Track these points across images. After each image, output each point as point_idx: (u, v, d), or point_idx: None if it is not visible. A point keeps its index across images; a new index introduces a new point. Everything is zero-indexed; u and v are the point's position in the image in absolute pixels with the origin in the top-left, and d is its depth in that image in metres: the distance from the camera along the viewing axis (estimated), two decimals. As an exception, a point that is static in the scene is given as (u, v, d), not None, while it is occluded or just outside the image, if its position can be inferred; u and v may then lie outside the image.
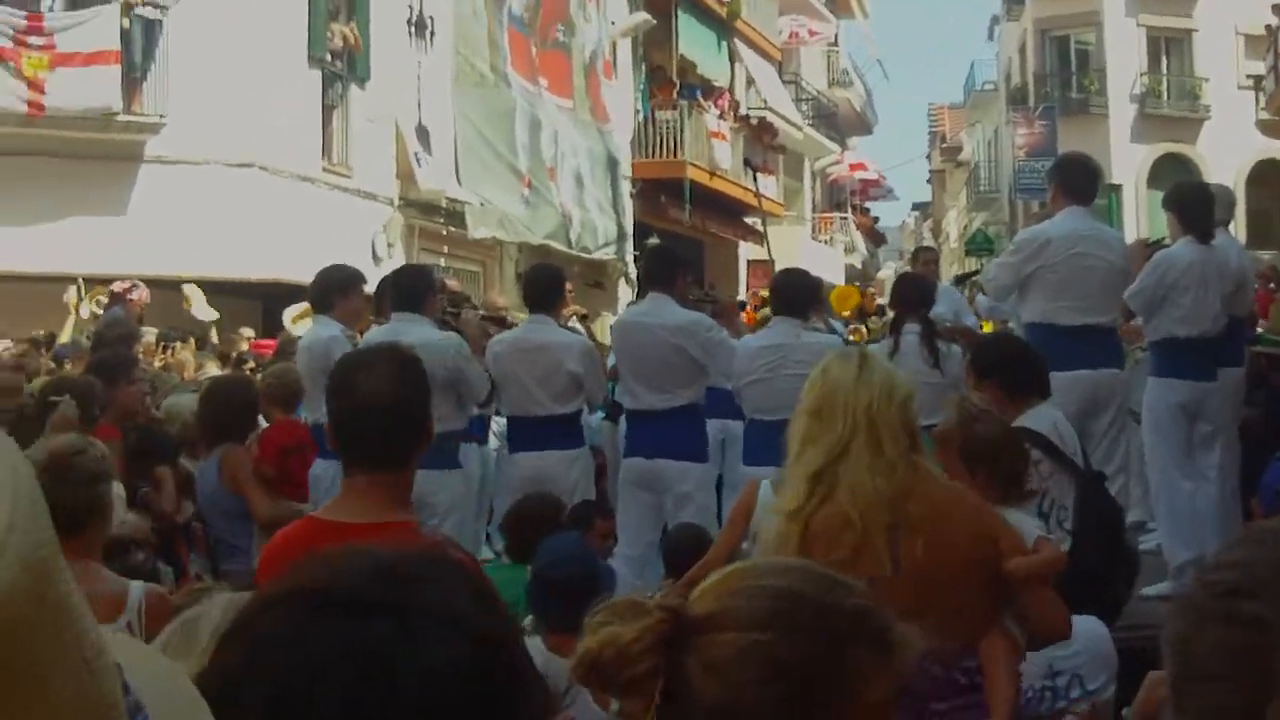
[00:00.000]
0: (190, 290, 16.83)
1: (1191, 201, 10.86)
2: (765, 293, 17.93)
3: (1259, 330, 13.39)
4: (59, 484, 5.16)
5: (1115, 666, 6.70)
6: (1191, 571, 9.14)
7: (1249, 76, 45.86)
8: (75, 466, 5.29)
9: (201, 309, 16.69)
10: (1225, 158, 47.01)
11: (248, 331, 15.99)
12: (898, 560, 4.53)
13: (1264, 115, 41.39)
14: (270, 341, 15.27)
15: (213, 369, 13.62)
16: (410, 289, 10.19)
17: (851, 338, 14.51)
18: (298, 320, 13.32)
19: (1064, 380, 8.60)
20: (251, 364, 13.60)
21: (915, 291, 11.41)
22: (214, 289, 17.49)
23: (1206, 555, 9.84)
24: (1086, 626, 6.12)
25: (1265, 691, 1.41)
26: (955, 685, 4.70)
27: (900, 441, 4.67)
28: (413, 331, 9.73)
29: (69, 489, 5.18)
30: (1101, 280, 10.03)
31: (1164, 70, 52.15)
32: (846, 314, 17.12)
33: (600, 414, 12.99)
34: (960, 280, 15.58)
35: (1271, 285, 24.62)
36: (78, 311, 15.51)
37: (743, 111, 41.36)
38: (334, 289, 10.24)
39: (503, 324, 12.18)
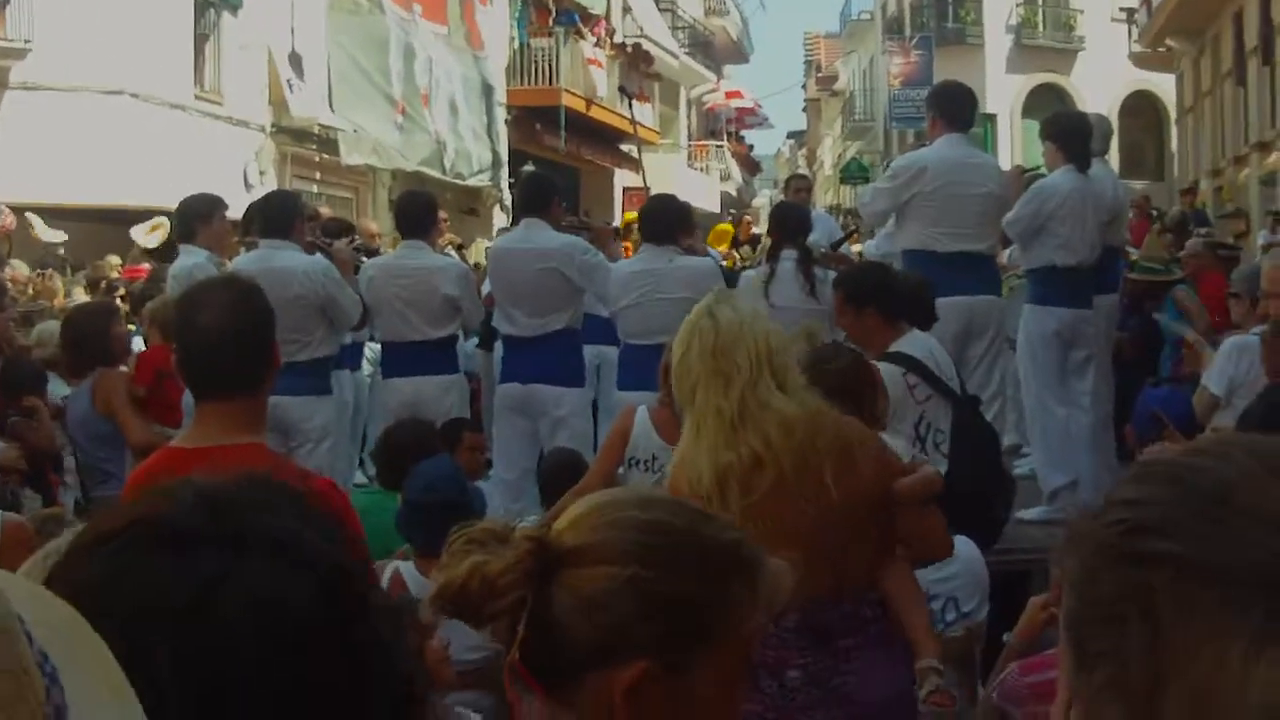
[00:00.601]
0: (32, 217, 16.69)
1: (1071, 131, 10.90)
2: (629, 216, 17.96)
3: (1133, 258, 13.54)
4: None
5: (988, 588, 6.75)
6: (1076, 502, 9.29)
7: (1122, 9, 46.24)
8: None
9: (44, 230, 16.56)
10: (1099, 89, 47.52)
11: (114, 259, 15.76)
12: (810, 498, 4.49)
13: (1137, 48, 41.79)
14: (140, 269, 15.10)
15: (81, 296, 13.45)
16: (277, 214, 10.07)
17: (725, 264, 14.50)
18: (150, 234, 13.17)
19: (942, 306, 8.64)
20: (122, 291, 13.41)
21: (792, 219, 11.41)
22: (84, 216, 17.30)
23: (1081, 480, 10.01)
24: (960, 549, 6.14)
25: (1163, 634, 1.39)
26: (861, 619, 4.66)
27: (798, 375, 4.65)
28: (280, 257, 9.66)
29: None
30: (979, 207, 10.07)
31: (1039, 2, 52.49)
32: (721, 248, 17.14)
33: (474, 341, 12.95)
34: (834, 211, 15.65)
35: (1145, 215, 24.95)
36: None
37: (619, 39, 41.21)
38: (195, 216, 10.18)
39: (374, 253, 12.09)
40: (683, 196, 12.61)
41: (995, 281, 10.52)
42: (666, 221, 10.21)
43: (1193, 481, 1.42)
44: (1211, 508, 1.38)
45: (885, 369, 7.05)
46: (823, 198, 53.26)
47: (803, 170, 66.89)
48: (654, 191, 18.49)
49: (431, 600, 2.15)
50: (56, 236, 16.54)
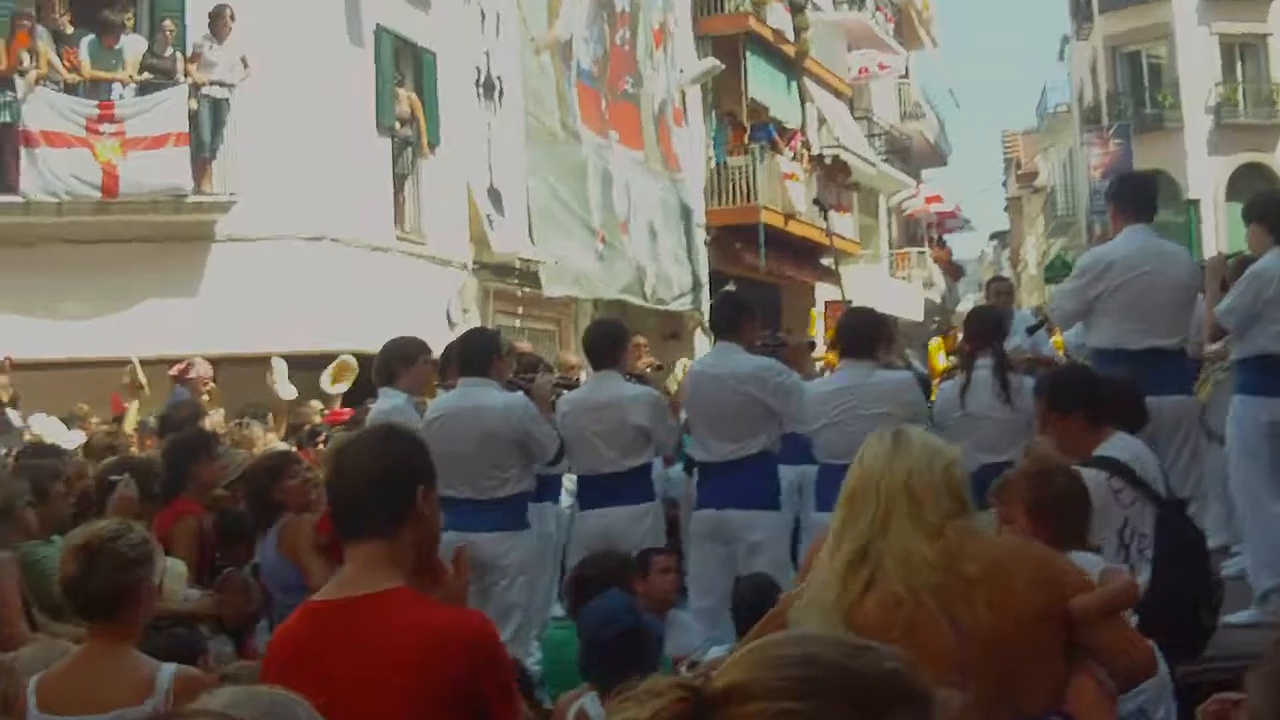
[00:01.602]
0: (276, 364, 16.88)
1: (1277, 210, 10.65)
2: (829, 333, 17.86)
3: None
4: (91, 569, 5.30)
5: (1170, 687, 6.59)
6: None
7: (1327, 80, 45.50)
8: (109, 552, 5.39)
9: (284, 386, 16.71)
10: (1307, 165, 46.63)
11: (316, 404, 15.96)
12: (959, 624, 4.38)
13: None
14: (346, 410, 15.33)
15: (275, 443, 13.57)
16: (474, 354, 10.27)
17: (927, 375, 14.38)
18: (335, 384, 13.32)
19: None
20: (324, 435, 13.55)
21: (986, 324, 11.29)
22: (291, 364, 17.58)
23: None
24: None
25: None
26: None
27: (943, 505, 4.51)
28: (479, 394, 9.84)
29: (102, 574, 5.31)
30: (1169, 299, 9.90)
31: (1239, 78, 51.72)
32: (934, 365, 17.01)
33: (679, 466, 12.97)
34: (1038, 326, 15.41)
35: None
36: (139, 390, 15.59)
37: (815, 151, 41.27)
38: (395, 360, 10.39)
39: (573, 386, 12.21)
40: (885, 307, 12.60)
41: (1186, 380, 10.31)
42: (864, 335, 10.19)
43: None
44: None
45: (1089, 474, 6.92)
46: (1028, 299, 52.68)
47: (1004, 272, 66.37)
48: (854, 304, 18.48)
49: None
50: (290, 393, 16.72)
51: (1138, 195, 10.53)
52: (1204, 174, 47.76)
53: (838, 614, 4.45)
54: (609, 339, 11.04)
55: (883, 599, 4.43)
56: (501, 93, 26.34)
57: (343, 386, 12.54)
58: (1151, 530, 7.31)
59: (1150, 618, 5.47)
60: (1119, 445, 7.63)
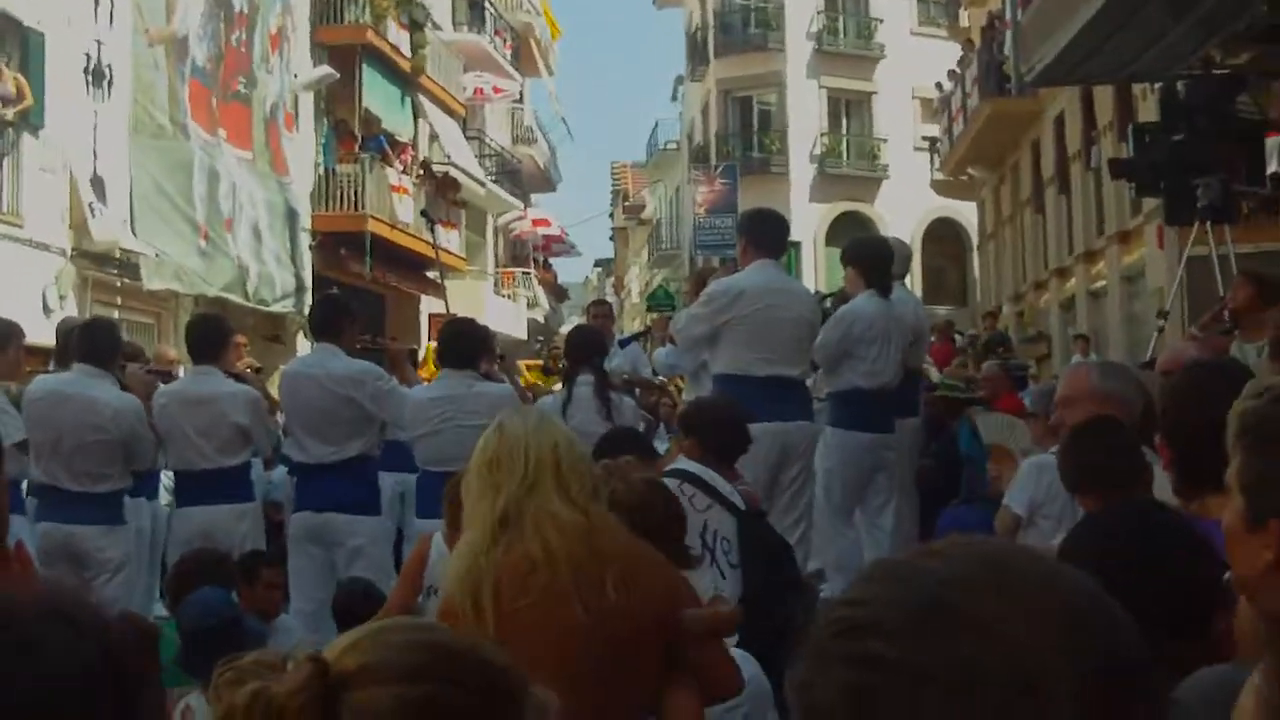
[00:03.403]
0: None
1: (871, 256, 11.12)
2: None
3: (937, 380, 13.80)
4: None
5: (772, 699, 6.72)
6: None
7: (924, 138, 47.15)
8: None
9: None
10: (902, 216, 48.27)
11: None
12: (589, 604, 4.40)
13: (939, 176, 42.61)
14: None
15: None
16: (99, 345, 10.04)
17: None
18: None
19: (755, 432, 8.52)
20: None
21: (587, 344, 11.48)
22: None
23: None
24: (744, 668, 6.15)
25: None
26: None
27: (585, 485, 4.57)
28: (92, 386, 9.62)
29: None
30: (793, 332, 10.20)
31: (844, 131, 53.36)
32: (533, 379, 17.13)
33: (283, 468, 12.83)
34: (633, 337, 15.63)
35: (948, 338, 25.49)
36: None
37: (424, 166, 41.26)
38: (-12, 343, 10.07)
39: (169, 378, 11.98)
40: (490, 323, 12.64)
41: (809, 407, 10.62)
42: (466, 346, 10.25)
43: (912, 580, 1.46)
44: (925, 609, 1.42)
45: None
46: (630, 325, 53.40)
47: (609, 298, 67.19)
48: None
49: None
50: None
51: (770, 233, 10.84)
52: (806, 218, 49.03)
53: (487, 569, 4.45)
54: (212, 334, 10.82)
55: (521, 559, 4.44)
56: (111, 81, 25.71)
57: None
58: (734, 536, 7.45)
59: (744, 619, 5.58)
60: (685, 462, 7.79)
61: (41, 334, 11.66)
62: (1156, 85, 20.51)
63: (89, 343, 10.07)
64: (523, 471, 4.49)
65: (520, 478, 4.49)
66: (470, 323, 11.40)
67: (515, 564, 4.44)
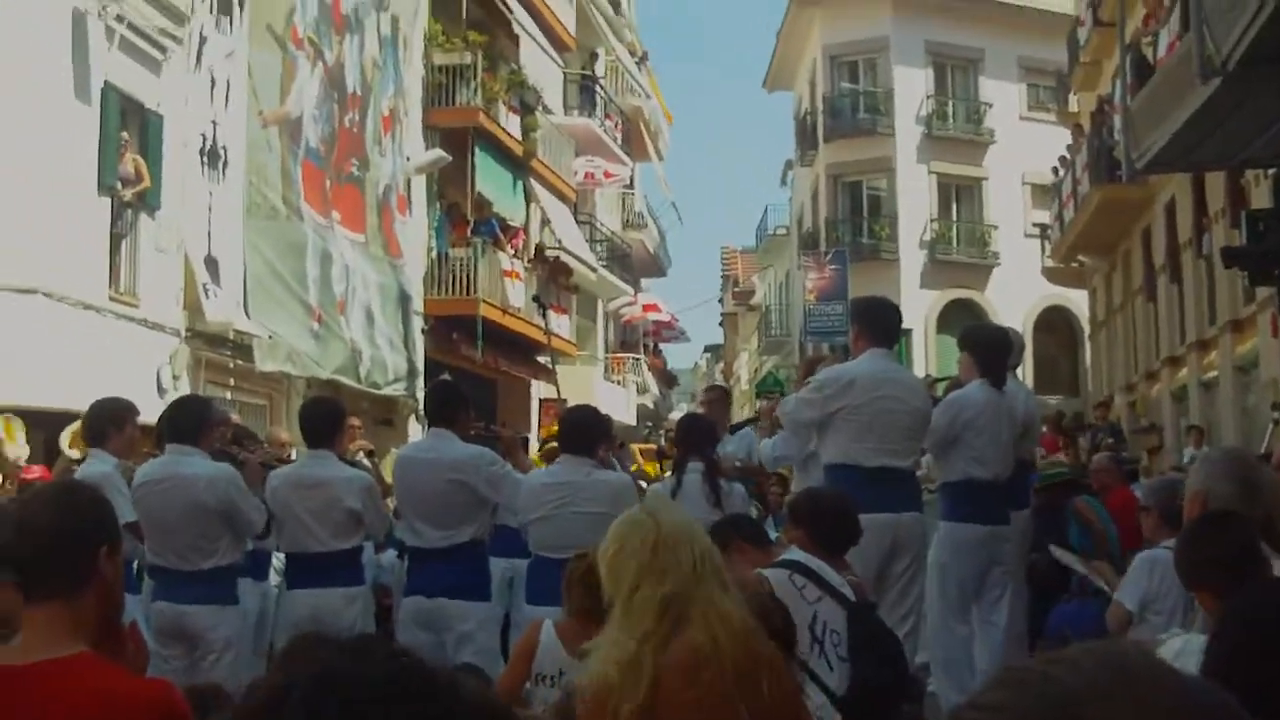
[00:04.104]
0: (8, 422, 16.24)
1: (989, 345, 11.03)
2: (552, 429, 17.83)
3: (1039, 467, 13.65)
4: None
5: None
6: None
7: (1035, 225, 46.96)
8: None
9: (10, 446, 16.05)
10: (1012, 304, 48.12)
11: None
12: (749, 704, 4.39)
13: (1049, 263, 42.33)
14: (37, 467, 14.88)
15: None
16: (185, 421, 10.06)
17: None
18: (74, 442, 12.94)
19: (865, 523, 8.36)
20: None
21: (697, 431, 11.45)
22: (-4, 416, 17.03)
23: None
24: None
25: None
26: None
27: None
28: (186, 463, 9.64)
29: None
30: (905, 423, 10.06)
31: (954, 217, 53.19)
32: (648, 467, 17.11)
33: (392, 552, 12.80)
34: (743, 424, 15.50)
35: (1059, 429, 25.25)
36: None
37: (537, 250, 41.47)
38: (107, 421, 10.10)
39: (283, 463, 11.99)
40: (599, 409, 12.58)
41: (919, 498, 10.46)
42: (587, 433, 10.20)
43: (1043, 690, 1.42)
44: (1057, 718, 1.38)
45: (771, 574, 7.11)
46: (739, 412, 53.37)
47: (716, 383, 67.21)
48: (570, 403, 18.46)
49: None
50: (17, 451, 16.04)
51: (883, 322, 10.72)
52: (917, 305, 48.83)
53: (648, 645, 4.42)
54: (327, 417, 10.87)
55: (689, 652, 4.42)
56: (226, 163, 25.98)
57: (78, 450, 12.12)
58: (844, 628, 7.36)
59: (852, 713, 5.49)
60: (796, 552, 7.70)
61: (155, 414, 11.67)
62: (1269, 171, 20.28)
63: (173, 423, 10.15)
64: (692, 562, 4.47)
65: (690, 568, 4.46)
66: (592, 410, 11.40)
67: (683, 655, 4.44)
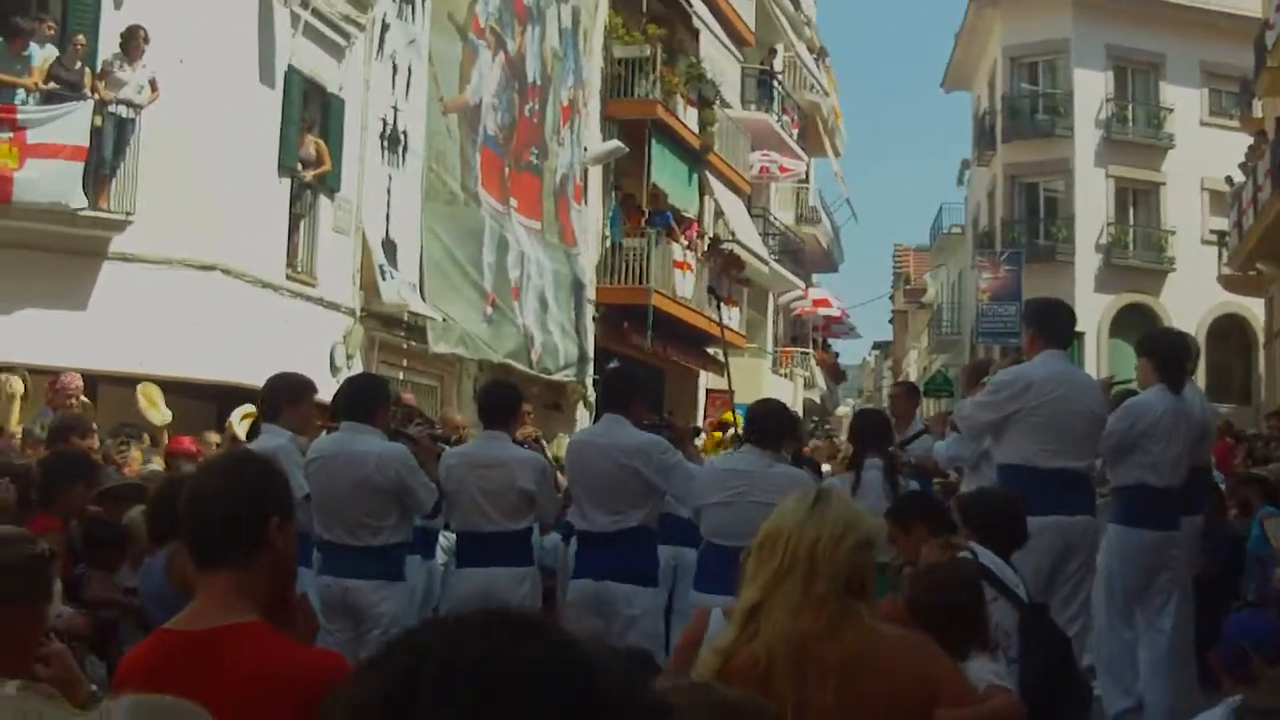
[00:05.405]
0: (147, 389, 16.58)
1: (1169, 351, 10.88)
2: (726, 418, 17.80)
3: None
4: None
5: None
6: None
7: (1213, 232, 46.21)
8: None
9: (154, 412, 16.38)
10: (1187, 310, 47.30)
11: (214, 437, 15.60)
12: (802, 705, 4.26)
13: (1226, 270, 41.63)
14: (186, 438, 15.11)
15: (154, 465, 13.41)
16: (361, 399, 10.12)
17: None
18: (245, 419, 13.13)
19: (1037, 525, 8.35)
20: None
21: (874, 427, 11.38)
22: (170, 389, 17.28)
23: (1151, 705, 9.81)
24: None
25: None
26: None
27: (837, 582, 4.38)
28: (359, 440, 9.71)
29: None
30: (1082, 426, 9.96)
31: (1131, 221, 52.46)
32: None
33: (556, 535, 12.85)
34: (914, 437, 15.34)
35: (1228, 438, 24.86)
36: (22, 401, 15.21)
37: (709, 243, 41.44)
38: (283, 397, 10.14)
39: (454, 444, 12.07)
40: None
41: (1092, 501, 10.33)
42: (775, 426, 10.18)
43: None
44: None
45: None
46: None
47: (885, 382, 66.80)
48: (738, 396, 18.46)
49: None
50: (164, 418, 16.37)
51: (1058, 324, 10.63)
52: (1091, 308, 48.16)
53: (718, 657, 4.40)
54: (507, 400, 10.97)
55: (749, 657, 4.35)
56: (406, 147, 26.23)
57: (246, 427, 12.28)
58: (1015, 630, 7.30)
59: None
60: (978, 550, 7.64)
61: (328, 392, 11.81)
62: None
63: (350, 399, 10.19)
64: (778, 561, 4.40)
65: (774, 568, 4.40)
66: (781, 404, 11.38)
67: (744, 665, 4.34)
